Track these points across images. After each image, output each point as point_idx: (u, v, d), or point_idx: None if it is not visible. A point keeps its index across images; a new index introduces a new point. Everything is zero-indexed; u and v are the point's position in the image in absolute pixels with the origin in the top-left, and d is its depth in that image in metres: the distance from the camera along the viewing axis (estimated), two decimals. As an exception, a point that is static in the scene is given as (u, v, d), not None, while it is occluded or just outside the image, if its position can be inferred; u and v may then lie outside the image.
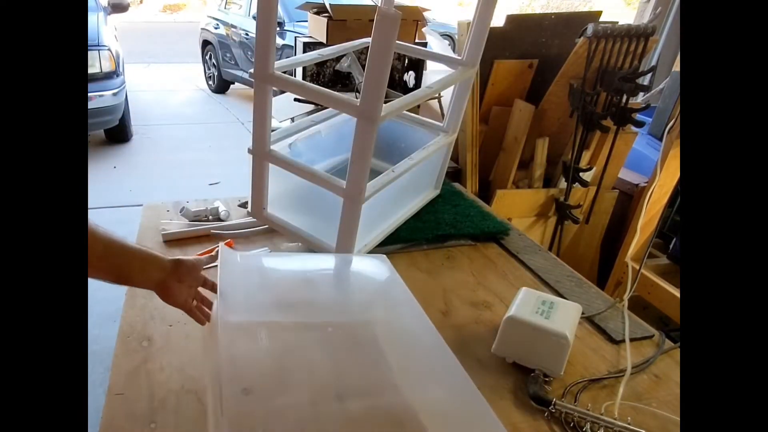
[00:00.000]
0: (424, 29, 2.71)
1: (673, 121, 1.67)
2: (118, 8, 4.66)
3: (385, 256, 0.90)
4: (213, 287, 0.81)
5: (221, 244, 0.84)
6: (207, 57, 6.55)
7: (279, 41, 4.77)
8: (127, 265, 0.72)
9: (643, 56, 1.74)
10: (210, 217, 1.28)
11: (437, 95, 2.47)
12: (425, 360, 0.69)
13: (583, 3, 14.11)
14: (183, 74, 7.51)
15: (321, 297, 0.81)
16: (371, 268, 0.92)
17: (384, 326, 0.74)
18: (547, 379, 0.85)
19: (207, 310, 0.81)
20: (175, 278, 0.76)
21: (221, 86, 6.44)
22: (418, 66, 2.80)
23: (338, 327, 0.70)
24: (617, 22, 1.79)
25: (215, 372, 0.65)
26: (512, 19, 1.87)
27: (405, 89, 2.80)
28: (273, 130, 1.14)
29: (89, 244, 0.65)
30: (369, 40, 0.89)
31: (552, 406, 0.79)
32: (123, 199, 3.39)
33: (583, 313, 0.99)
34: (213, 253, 0.85)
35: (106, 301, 2.30)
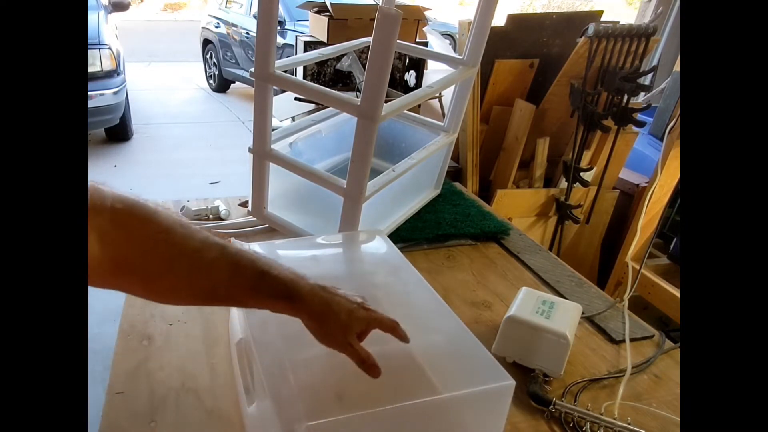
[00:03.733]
0: (425, 28, 2.71)
1: (674, 121, 1.67)
2: (119, 7, 4.67)
3: (381, 230, 0.94)
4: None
5: (233, 238, 0.87)
6: (207, 56, 6.55)
7: (280, 40, 4.77)
8: (254, 301, 0.61)
9: (645, 56, 1.74)
10: (210, 216, 1.28)
11: (438, 95, 2.47)
12: (423, 314, 0.80)
13: (584, 3, 14.10)
14: (183, 73, 7.51)
15: (328, 272, 0.88)
16: (369, 242, 1.00)
17: (385, 289, 0.83)
18: (547, 378, 0.85)
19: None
20: (319, 329, 0.63)
21: (222, 85, 6.44)
22: (418, 65, 2.81)
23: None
24: (618, 22, 1.79)
25: (246, 343, 0.72)
26: (513, 19, 1.87)
27: (406, 89, 2.80)
28: (273, 130, 1.14)
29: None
30: (370, 39, 0.89)
31: (552, 406, 0.79)
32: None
33: (583, 313, 0.99)
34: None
35: (106, 299, 2.30)
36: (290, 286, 0.60)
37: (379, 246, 0.96)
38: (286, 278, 0.60)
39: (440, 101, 2.62)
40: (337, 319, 0.62)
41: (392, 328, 0.65)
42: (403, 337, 0.65)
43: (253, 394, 0.71)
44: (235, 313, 0.82)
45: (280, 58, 1.04)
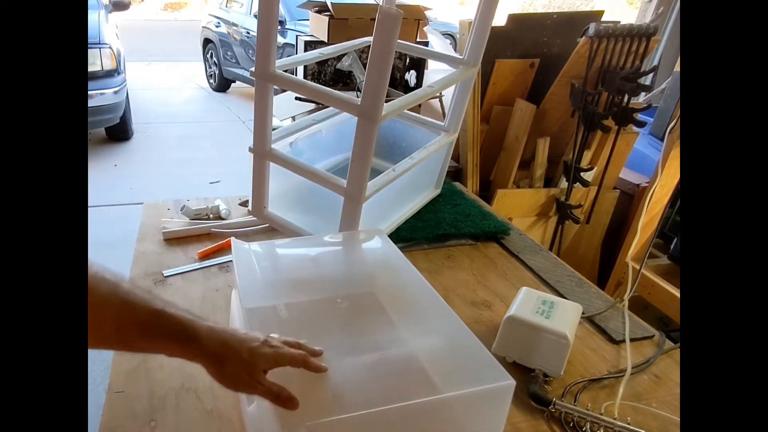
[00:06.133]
0: (425, 28, 2.71)
1: (674, 121, 1.67)
2: (120, 6, 4.67)
3: (381, 229, 0.95)
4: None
5: (233, 238, 0.88)
6: (208, 55, 6.55)
7: (280, 40, 4.77)
8: (152, 346, 0.59)
9: (645, 56, 1.74)
10: (211, 216, 1.28)
11: (438, 94, 2.47)
12: (423, 314, 0.80)
13: (584, 2, 14.09)
14: (184, 73, 7.51)
15: (328, 273, 0.88)
16: (370, 241, 1.00)
17: (386, 291, 0.83)
18: (547, 378, 0.85)
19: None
20: (217, 372, 0.60)
21: (222, 85, 6.44)
22: (419, 65, 2.80)
23: (347, 298, 0.78)
24: (619, 22, 1.79)
25: None
26: (514, 19, 1.87)
27: (406, 88, 2.80)
28: (274, 129, 1.14)
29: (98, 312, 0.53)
30: (370, 39, 0.88)
31: (552, 406, 0.79)
32: (124, 197, 3.39)
33: (583, 313, 0.99)
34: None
35: (106, 299, 2.29)
36: (187, 326, 0.57)
37: (379, 245, 0.96)
38: (183, 318, 0.58)
39: (440, 101, 2.62)
40: (238, 358, 0.58)
41: (304, 362, 0.61)
42: (318, 369, 0.62)
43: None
44: (236, 313, 0.82)
45: (281, 58, 1.04)
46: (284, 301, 0.75)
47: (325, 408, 0.59)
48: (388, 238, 0.95)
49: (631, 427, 0.76)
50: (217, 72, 6.37)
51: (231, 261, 1.10)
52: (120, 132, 4.44)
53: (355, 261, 0.97)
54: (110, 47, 3.93)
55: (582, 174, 1.87)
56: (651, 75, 1.78)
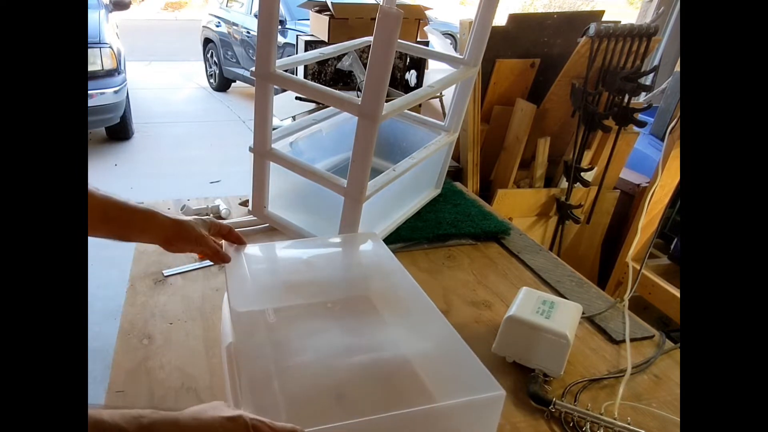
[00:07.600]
0: (426, 28, 2.71)
1: (675, 121, 1.67)
2: (120, 6, 4.67)
3: (375, 233, 0.98)
4: (230, 235, 0.86)
5: (224, 242, 0.88)
6: (208, 55, 6.55)
7: (280, 39, 4.77)
8: (127, 227, 0.76)
9: (646, 56, 1.74)
10: (211, 215, 1.28)
11: (439, 94, 2.47)
12: (416, 319, 0.79)
13: (585, 2, 14.08)
14: (184, 72, 7.51)
15: (320, 276, 0.88)
16: (364, 245, 0.99)
17: (379, 295, 0.83)
18: (547, 378, 0.85)
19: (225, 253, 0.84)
20: (177, 236, 0.80)
21: (222, 84, 6.44)
22: (419, 65, 2.80)
23: (339, 302, 0.77)
24: (620, 22, 1.79)
25: (235, 347, 0.71)
26: (514, 18, 1.87)
27: (406, 88, 2.79)
28: (274, 129, 1.14)
29: (89, 208, 0.67)
30: (371, 38, 0.88)
31: (552, 406, 0.79)
32: (124, 196, 3.39)
33: (583, 313, 0.99)
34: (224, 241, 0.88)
35: (106, 298, 2.30)
36: (148, 214, 0.78)
37: (371, 249, 0.95)
38: (141, 208, 0.77)
39: (441, 101, 2.62)
40: (182, 226, 0.80)
41: (229, 234, 0.85)
42: (238, 240, 0.86)
43: (239, 400, 0.70)
44: (227, 316, 0.80)
45: (281, 57, 1.04)
46: (275, 305, 0.75)
47: (314, 415, 0.58)
48: (381, 241, 0.94)
49: (631, 427, 0.76)
50: (217, 71, 6.37)
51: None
52: (120, 132, 4.44)
53: (347, 264, 0.96)
54: (110, 47, 3.93)
55: (582, 174, 1.87)
56: (651, 75, 1.78)
